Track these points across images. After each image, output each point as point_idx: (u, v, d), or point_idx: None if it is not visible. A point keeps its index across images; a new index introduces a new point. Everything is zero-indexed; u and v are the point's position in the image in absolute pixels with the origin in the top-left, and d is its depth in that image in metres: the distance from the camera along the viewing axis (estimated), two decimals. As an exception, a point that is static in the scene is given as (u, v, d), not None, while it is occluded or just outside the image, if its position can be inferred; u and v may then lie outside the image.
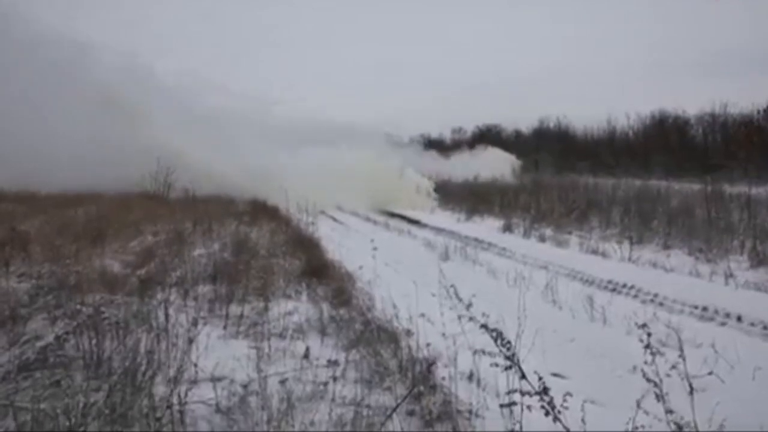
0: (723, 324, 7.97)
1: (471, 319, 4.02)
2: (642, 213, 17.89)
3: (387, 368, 5.57)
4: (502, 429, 4.09)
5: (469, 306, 4.18)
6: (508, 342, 3.62)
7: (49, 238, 12.16)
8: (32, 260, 9.90)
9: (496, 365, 3.72)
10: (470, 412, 4.68)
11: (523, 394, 3.54)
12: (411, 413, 4.65)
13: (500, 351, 3.61)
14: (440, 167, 42.00)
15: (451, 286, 4.90)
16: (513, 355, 3.60)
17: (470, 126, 74.92)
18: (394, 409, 4.37)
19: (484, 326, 3.79)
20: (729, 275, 10.29)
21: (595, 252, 13.87)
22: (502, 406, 4.24)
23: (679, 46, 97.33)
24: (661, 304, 8.99)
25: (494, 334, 3.65)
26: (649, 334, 3.44)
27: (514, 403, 3.66)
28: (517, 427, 3.84)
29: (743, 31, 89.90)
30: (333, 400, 4.82)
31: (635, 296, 9.59)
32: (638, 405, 3.47)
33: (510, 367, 3.59)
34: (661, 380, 3.36)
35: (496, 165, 45.73)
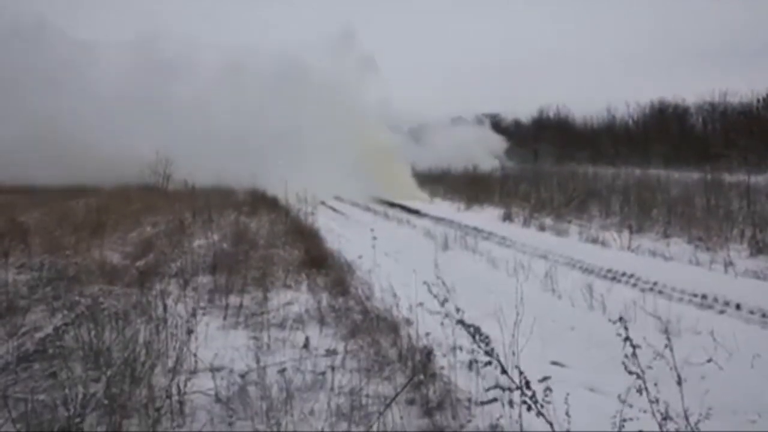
0: (722, 312, 7.97)
1: (447, 315, 3.99)
2: (642, 202, 17.89)
3: (386, 357, 5.58)
4: (501, 417, 4.08)
5: (444, 302, 4.16)
6: (487, 337, 3.58)
7: (49, 230, 12.16)
8: (32, 252, 9.91)
9: (476, 361, 3.70)
10: (469, 400, 4.68)
11: (504, 389, 3.52)
12: (411, 402, 4.66)
13: (479, 347, 3.57)
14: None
15: (424, 282, 4.88)
16: (492, 350, 3.56)
17: (470, 116, 74.52)
18: (394, 398, 4.37)
19: (461, 322, 3.76)
20: (728, 263, 10.28)
21: (594, 241, 13.87)
22: (482, 403, 4.24)
23: (680, 36, 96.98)
24: (660, 292, 8.98)
25: (472, 330, 3.62)
26: (626, 328, 3.41)
27: (494, 400, 3.64)
28: (515, 415, 3.85)
29: (744, 21, 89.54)
30: (332, 389, 4.83)
31: (634, 285, 9.59)
32: (620, 397, 3.45)
33: (490, 363, 3.55)
34: (643, 372, 3.34)
35: (473, 146, 44.16)
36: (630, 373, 3.31)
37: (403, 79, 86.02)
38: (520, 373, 3.40)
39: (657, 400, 3.29)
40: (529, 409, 3.32)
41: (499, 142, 49.34)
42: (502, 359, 3.67)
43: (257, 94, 32.55)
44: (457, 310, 3.94)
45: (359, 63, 35.17)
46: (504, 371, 3.48)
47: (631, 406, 3.55)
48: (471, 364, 5.40)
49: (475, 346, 3.97)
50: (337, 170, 27.85)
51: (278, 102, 31.70)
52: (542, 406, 3.33)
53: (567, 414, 3.47)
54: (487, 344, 3.53)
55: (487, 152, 44.75)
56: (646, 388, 3.25)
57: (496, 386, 3.50)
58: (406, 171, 32.64)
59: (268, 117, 31.10)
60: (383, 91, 37.19)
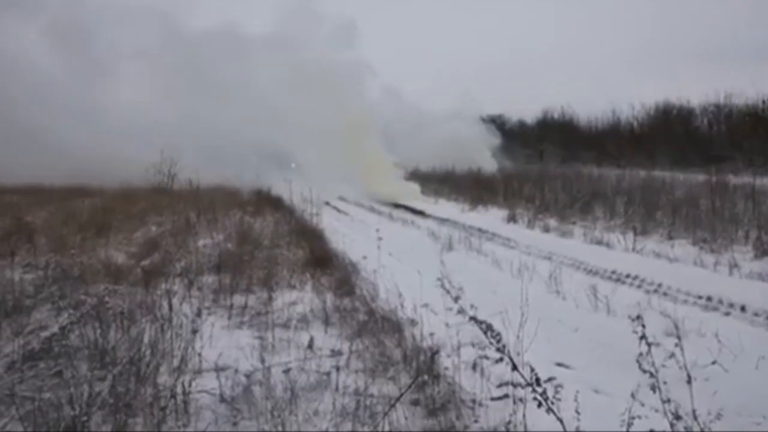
0: (727, 314, 7.95)
1: (460, 311, 3.99)
2: (646, 203, 17.83)
3: (390, 358, 5.58)
4: (504, 417, 4.08)
5: (457, 298, 4.16)
6: (498, 334, 3.59)
7: (54, 230, 12.20)
8: (37, 251, 9.94)
9: (487, 358, 3.70)
10: (473, 401, 4.69)
11: (515, 386, 3.52)
12: (415, 402, 4.66)
13: (490, 343, 3.58)
14: None
15: (439, 279, 4.87)
16: (504, 347, 3.57)
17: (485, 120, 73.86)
18: (398, 399, 4.37)
19: (473, 318, 3.77)
20: (733, 265, 10.26)
21: (599, 242, 13.84)
22: (493, 399, 4.24)
23: (685, 37, 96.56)
24: (665, 294, 8.97)
25: (484, 326, 3.63)
26: (643, 326, 3.41)
27: (506, 396, 3.64)
28: (519, 416, 3.85)
29: (749, 21, 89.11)
30: (337, 389, 4.84)
31: (639, 286, 9.58)
32: (633, 396, 3.44)
33: (501, 359, 3.56)
34: (657, 371, 3.34)
35: (468, 142, 42.00)
36: (644, 371, 3.31)
37: (403, 80, 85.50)
38: (532, 370, 3.41)
39: (669, 400, 3.29)
40: (539, 405, 3.32)
41: (493, 139, 47.39)
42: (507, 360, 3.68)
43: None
44: (471, 306, 3.94)
45: (335, 27, 34.84)
46: (515, 367, 3.49)
47: (642, 404, 3.55)
48: (475, 365, 5.41)
49: (480, 348, 3.98)
50: (330, 166, 27.97)
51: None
52: (552, 403, 3.33)
53: (576, 411, 3.47)
54: (498, 341, 3.54)
55: (482, 149, 43.43)
56: (659, 388, 3.25)
57: (508, 383, 3.51)
58: (386, 159, 32.54)
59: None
60: (359, 55, 36.60)
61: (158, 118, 29.28)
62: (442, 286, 4.73)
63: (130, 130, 28.09)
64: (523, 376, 3.44)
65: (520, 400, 3.75)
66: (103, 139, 26.82)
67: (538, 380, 3.35)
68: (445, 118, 44.91)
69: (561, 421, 3.35)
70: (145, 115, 29.56)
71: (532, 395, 3.37)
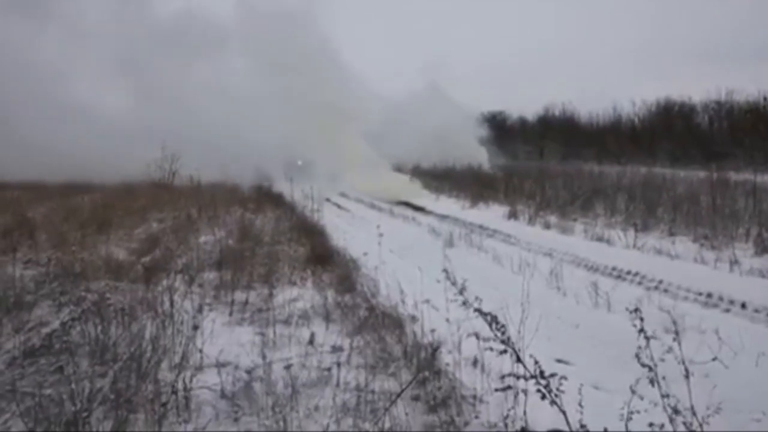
0: (727, 311, 7.96)
1: (465, 303, 4.00)
2: (647, 200, 17.81)
3: (391, 354, 5.59)
4: (505, 413, 4.09)
5: (462, 290, 4.16)
6: (503, 326, 3.60)
7: (55, 226, 12.21)
8: (38, 247, 9.95)
9: (491, 349, 3.71)
10: (474, 397, 4.69)
11: (518, 378, 3.53)
12: (416, 398, 4.67)
13: (495, 335, 3.59)
14: None
15: (444, 270, 4.86)
16: (508, 339, 3.58)
17: (474, 113, 73.64)
18: (399, 395, 4.38)
19: (478, 310, 3.78)
20: (734, 262, 10.26)
21: (600, 239, 13.84)
22: (497, 390, 4.24)
23: (686, 34, 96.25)
24: (665, 290, 8.98)
25: (489, 318, 3.64)
26: (642, 319, 3.41)
27: (509, 387, 3.65)
28: (520, 411, 3.86)
29: (750, 19, 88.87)
30: (337, 385, 4.84)
31: (640, 283, 9.59)
32: (632, 390, 3.44)
33: (505, 351, 3.57)
34: (656, 365, 3.34)
35: (457, 134, 40.42)
36: (643, 365, 3.31)
37: (405, 80, 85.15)
38: (535, 362, 3.42)
39: (668, 395, 3.30)
40: (543, 398, 3.32)
41: (478, 130, 45.04)
42: (507, 357, 3.68)
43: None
44: (476, 298, 3.94)
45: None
46: (519, 359, 3.50)
47: (642, 398, 3.55)
48: (476, 362, 5.41)
49: (483, 340, 3.97)
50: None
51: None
52: (556, 395, 3.33)
53: (580, 405, 3.47)
54: (503, 333, 3.55)
55: (470, 140, 41.84)
56: (658, 382, 3.26)
57: (511, 374, 3.51)
58: (386, 157, 32.58)
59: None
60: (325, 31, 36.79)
61: (152, 116, 29.27)
62: (447, 278, 4.71)
63: (128, 127, 28.11)
64: (526, 368, 3.45)
65: (523, 392, 3.76)
66: (102, 136, 26.85)
67: (542, 372, 3.36)
68: (420, 107, 43.24)
69: (564, 413, 3.35)
70: (142, 114, 29.60)
71: (535, 387, 3.37)
